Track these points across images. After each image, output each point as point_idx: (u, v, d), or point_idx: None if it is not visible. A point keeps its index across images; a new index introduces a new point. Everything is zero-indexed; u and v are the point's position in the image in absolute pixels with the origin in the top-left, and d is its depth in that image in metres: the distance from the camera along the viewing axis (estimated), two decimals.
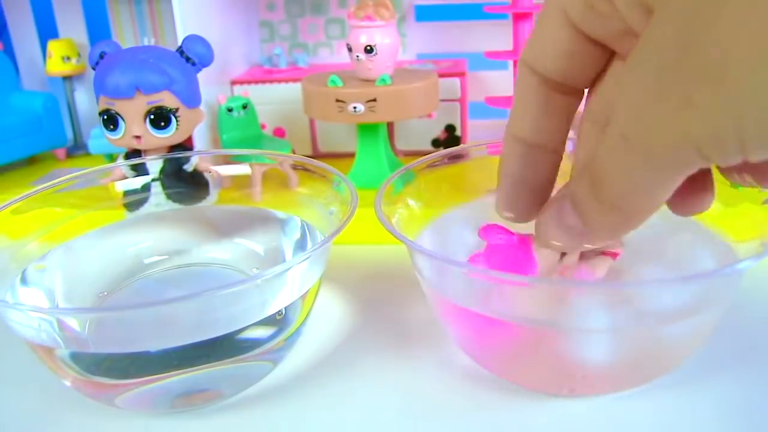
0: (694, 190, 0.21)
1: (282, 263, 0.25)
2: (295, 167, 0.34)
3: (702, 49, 0.15)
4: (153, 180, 0.35)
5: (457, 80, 0.52)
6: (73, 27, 0.60)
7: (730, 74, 0.15)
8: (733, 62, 0.14)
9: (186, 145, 0.38)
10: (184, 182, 0.36)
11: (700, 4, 0.15)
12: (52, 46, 0.58)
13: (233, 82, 0.55)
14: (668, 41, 0.16)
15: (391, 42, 0.45)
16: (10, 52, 0.60)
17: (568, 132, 0.23)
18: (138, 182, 0.35)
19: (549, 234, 0.22)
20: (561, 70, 0.21)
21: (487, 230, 0.26)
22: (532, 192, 0.23)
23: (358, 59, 0.45)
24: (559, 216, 0.21)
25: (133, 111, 0.35)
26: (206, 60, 0.38)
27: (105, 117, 0.36)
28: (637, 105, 0.17)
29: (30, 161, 0.58)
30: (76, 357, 0.24)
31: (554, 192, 0.23)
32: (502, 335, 0.25)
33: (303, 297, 0.27)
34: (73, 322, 0.25)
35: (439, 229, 0.31)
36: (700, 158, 0.16)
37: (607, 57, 0.21)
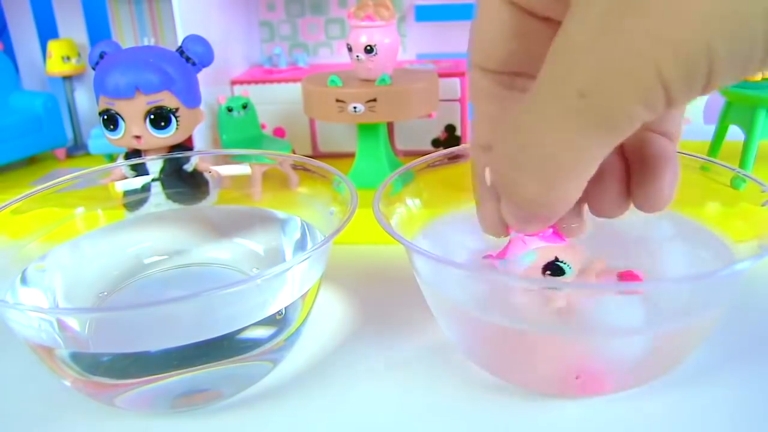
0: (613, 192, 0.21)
1: (282, 263, 0.25)
2: (295, 167, 0.34)
3: None
4: (153, 180, 0.35)
5: (457, 80, 0.52)
6: (73, 27, 0.60)
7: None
8: None
9: (186, 145, 0.38)
10: (184, 182, 0.36)
11: None
12: (52, 46, 0.58)
13: (233, 82, 0.54)
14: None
15: (391, 42, 0.45)
16: (10, 52, 0.60)
17: None
18: (138, 182, 0.35)
19: (509, 223, 0.21)
20: (510, 56, 0.20)
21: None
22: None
23: (358, 59, 0.45)
24: (504, 208, 0.21)
25: (133, 111, 0.35)
26: (206, 60, 0.38)
27: (105, 117, 0.36)
28: (595, 56, 0.16)
29: (30, 161, 0.58)
30: (76, 357, 0.24)
31: None
32: (499, 336, 0.25)
33: (303, 297, 0.27)
34: (73, 322, 0.25)
35: (438, 230, 0.31)
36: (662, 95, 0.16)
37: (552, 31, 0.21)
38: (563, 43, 0.17)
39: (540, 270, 0.24)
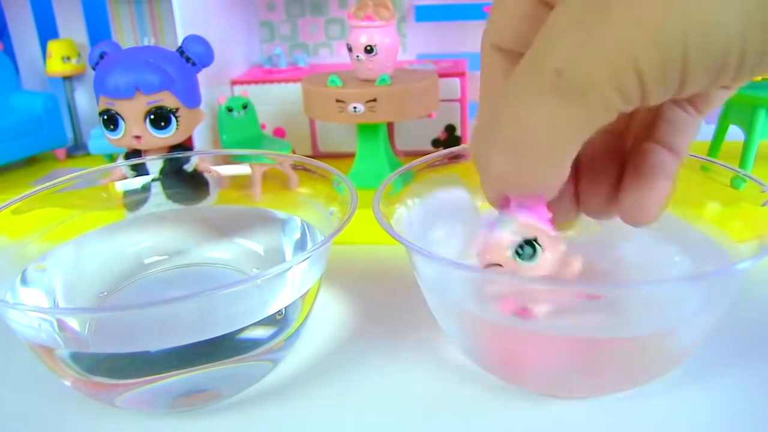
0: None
1: (282, 263, 0.25)
2: (295, 167, 0.34)
3: None
4: (153, 180, 0.35)
5: (457, 80, 0.52)
6: (73, 27, 0.60)
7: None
8: None
9: (186, 145, 0.38)
10: (184, 182, 0.36)
11: None
12: (52, 46, 0.58)
13: (233, 82, 0.54)
14: None
15: (391, 42, 0.45)
16: (10, 52, 0.60)
17: None
18: (138, 182, 0.35)
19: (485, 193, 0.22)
20: (521, 37, 0.21)
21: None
22: None
23: (358, 59, 0.45)
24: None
25: (133, 111, 0.35)
26: (206, 60, 0.38)
27: (105, 117, 0.36)
28: (576, 38, 0.16)
29: (30, 161, 0.58)
30: (76, 357, 0.24)
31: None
32: (500, 336, 0.25)
33: (303, 297, 0.27)
34: (73, 322, 0.25)
35: (439, 230, 0.31)
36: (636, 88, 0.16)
37: None
38: (548, 26, 0.17)
39: (515, 244, 0.23)
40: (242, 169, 0.36)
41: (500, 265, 0.22)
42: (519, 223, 0.22)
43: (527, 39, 0.21)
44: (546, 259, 0.22)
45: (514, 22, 0.21)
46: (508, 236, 0.22)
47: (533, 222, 0.22)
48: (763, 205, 0.26)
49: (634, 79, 0.16)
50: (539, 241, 0.22)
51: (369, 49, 0.44)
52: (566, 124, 0.17)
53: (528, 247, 0.22)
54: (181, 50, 0.38)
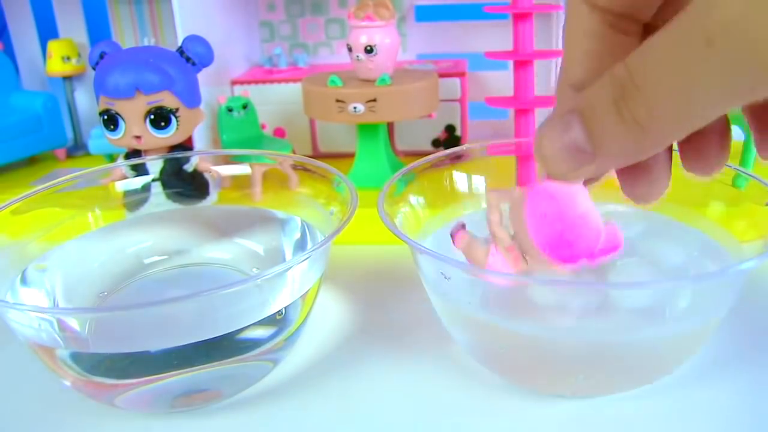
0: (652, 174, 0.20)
1: (282, 263, 0.25)
2: (295, 167, 0.34)
3: None
4: (153, 180, 0.35)
5: (457, 80, 0.52)
6: (73, 27, 0.60)
7: None
8: None
9: (186, 145, 0.38)
10: (184, 182, 0.36)
11: None
12: (52, 46, 0.58)
13: (233, 82, 0.54)
14: None
15: (391, 42, 0.45)
16: (10, 52, 0.60)
17: None
18: (138, 182, 0.35)
19: (547, 151, 0.19)
20: None
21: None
22: None
23: (358, 59, 0.45)
24: (564, 130, 0.18)
25: (133, 111, 0.35)
26: (206, 60, 0.38)
27: (105, 117, 0.36)
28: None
29: (30, 161, 0.58)
30: (76, 357, 0.24)
31: None
32: (502, 336, 0.25)
33: (303, 297, 0.27)
34: (73, 322, 0.25)
35: (441, 230, 0.31)
36: None
37: None
38: None
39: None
40: (242, 169, 0.36)
41: None
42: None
43: (633, 1, 0.18)
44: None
45: None
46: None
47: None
48: (766, 204, 0.26)
49: None
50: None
51: (369, 49, 0.44)
52: (713, 96, 0.15)
53: None
54: (181, 50, 0.38)
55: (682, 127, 0.16)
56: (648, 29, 0.20)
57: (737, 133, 0.45)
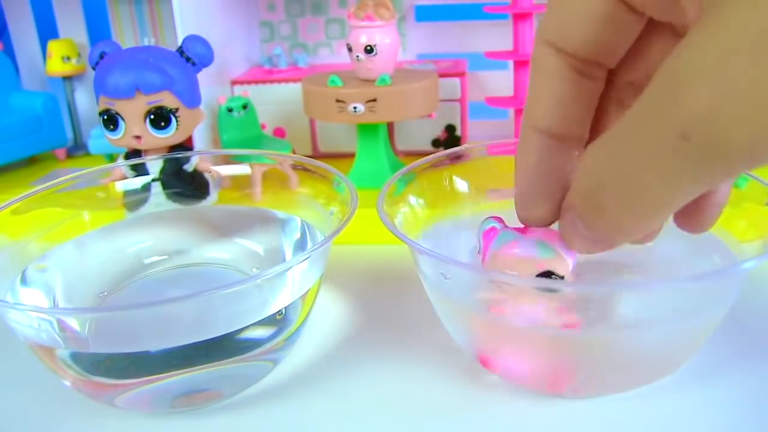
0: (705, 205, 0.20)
1: (282, 263, 0.25)
2: (295, 167, 0.34)
3: None
4: (153, 180, 0.35)
5: (457, 80, 0.52)
6: (73, 27, 0.60)
7: None
8: None
9: (186, 145, 0.38)
10: (184, 182, 0.36)
11: None
12: (52, 46, 0.58)
13: (233, 82, 0.54)
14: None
15: (391, 42, 0.45)
16: (10, 52, 0.60)
17: (591, 120, 0.21)
18: (138, 182, 0.35)
19: (570, 242, 0.20)
20: (592, 42, 0.19)
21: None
22: (555, 188, 0.21)
23: (358, 59, 0.45)
24: (573, 226, 0.19)
25: (133, 111, 0.35)
26: (206, 60, 0.38)
27: (105, 117, 0.36)
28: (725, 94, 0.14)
29: (30, 161, 0.58)
30: (76, 357, 0.24)
31: None
32: (503, 336, 0.25)
33: (303, 297, 0.27)
34: (73, 322, 0.25)
35: (441, 230, 0.31)
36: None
37: (641, 28, 0.19)
38: (676, 58, 0.14)
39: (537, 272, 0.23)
40: (242, 169, 0.36)
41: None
42: (538, 241, 0.22)
43: (600, 48, 0.19)
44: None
45: (588, 26, 0.18)
46: (532, 259, 0.22)
47: (553, 244, 0.22)
48: (766, 204, 0.26)
49: None
50: (555, 270, 0.22)
51: (369, 49, 0.44)
52: (691, 185, 0.15)
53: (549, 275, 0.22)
54: (181, 50, 0.38)
55: (655, 220, 0.17)
56: (611, 74, 0.20)
57: None
